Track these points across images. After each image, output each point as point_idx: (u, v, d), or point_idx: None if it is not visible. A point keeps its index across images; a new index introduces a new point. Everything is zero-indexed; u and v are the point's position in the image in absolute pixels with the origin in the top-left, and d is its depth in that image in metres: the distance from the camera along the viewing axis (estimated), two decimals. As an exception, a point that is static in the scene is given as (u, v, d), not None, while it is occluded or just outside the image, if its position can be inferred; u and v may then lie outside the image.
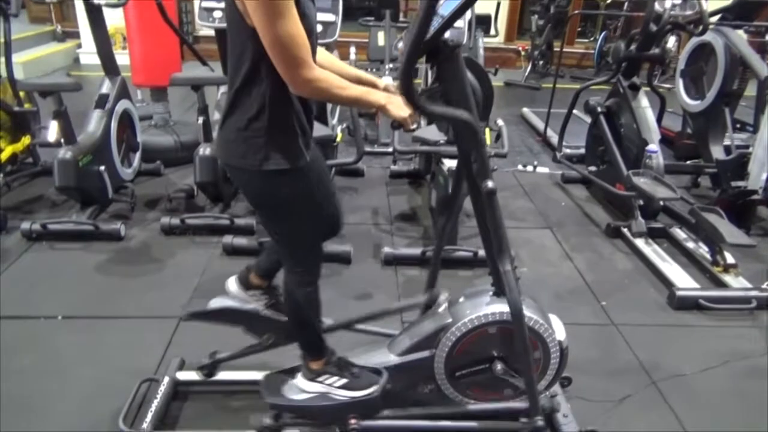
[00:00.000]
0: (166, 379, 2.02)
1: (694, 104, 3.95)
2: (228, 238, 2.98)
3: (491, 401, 1.87)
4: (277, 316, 1.86)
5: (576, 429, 1.91)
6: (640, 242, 3.21)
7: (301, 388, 1.79)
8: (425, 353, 1.82)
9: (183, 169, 3.98)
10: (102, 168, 3.22)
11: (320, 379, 1.77)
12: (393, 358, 1.85)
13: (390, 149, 4.47)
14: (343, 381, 1.77)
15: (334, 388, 1.77)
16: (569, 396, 2.04)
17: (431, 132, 3.14)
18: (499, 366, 1.79)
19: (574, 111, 4.06)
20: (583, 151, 4.14)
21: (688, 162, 4.12)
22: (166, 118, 4.28)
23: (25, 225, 3.03)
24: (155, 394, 1.95)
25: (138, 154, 3.83)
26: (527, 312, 1.79)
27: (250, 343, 1.91)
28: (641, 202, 3.34)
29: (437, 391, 1.85)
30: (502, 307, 1.76)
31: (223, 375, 2.01)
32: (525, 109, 5.86)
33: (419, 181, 4.04)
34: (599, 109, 3.70)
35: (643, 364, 2.34)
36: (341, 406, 1.77)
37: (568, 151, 4.31)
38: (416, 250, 2.97)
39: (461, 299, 1.87)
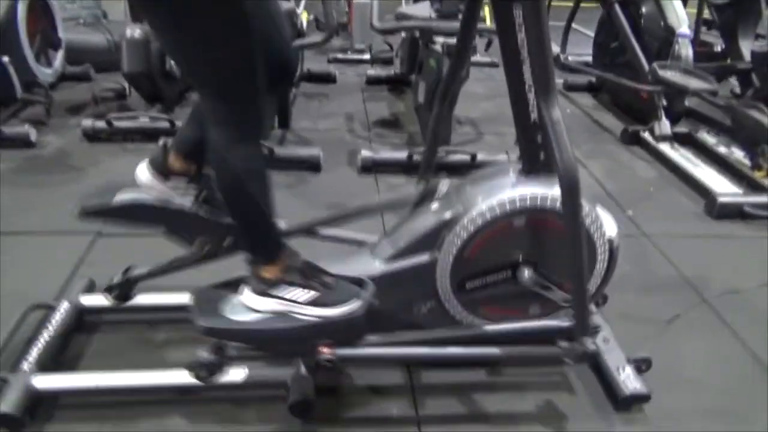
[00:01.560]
0: (65, 305, 1.47)
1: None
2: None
3: (512, 321, 1.36)
4: (212, 213, 1.31)
5: (622, 357, 1.44)
6: (664, 147, 2.72)
7: (250, 307, 1.24)
8: (424, 257, 1.30)
9: (118, 75, 3.30)
10: (5, 59, 2.55)
11: (277, 292, 1.22)
12: (379, 266, 1.32)
13: (366, 56, 3.90)
14: (311, 294, 1.23)
15: (297, 305, 1.23)
16: (606, 318, 1.56)
17: (420, 8, 2.55)
18: (526, 273, 1.28)
19: (574, 25, 3.49)
20: (586, 58, 3.61)
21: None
22: (97, 15, 3.57)
23: None
24: (46, 324, 1.41)
25: (60, 54, 3.16)
26: (568, 195, 1.27)
27: (176, 255, 1.37)
28: (664, 103, 2.83)
29: (439, 310, 1.34)
30: (534, 190, 1.24)
31: (142, 299, 1.47)
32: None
33: (400, 87, 3.45)
34: (614, -3, 3.12)
35: (689, 280, 1.87)
36: (308, 329, 1.24)
37: (571, 58, 3.76)
38: (401, 154, 2.42)
39: (473, 182, 1.34)
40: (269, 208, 1.20)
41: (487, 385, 1.42)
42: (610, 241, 1.32)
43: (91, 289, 1.56)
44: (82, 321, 1.51)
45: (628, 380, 1.37)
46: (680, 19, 2.84)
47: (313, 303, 1.24)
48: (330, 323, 1.23)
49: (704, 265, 1.95)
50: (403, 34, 3.08)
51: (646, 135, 2.82)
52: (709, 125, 2.88)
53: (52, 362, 1.34)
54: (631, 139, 2.87)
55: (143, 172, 1.32)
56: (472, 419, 1.32)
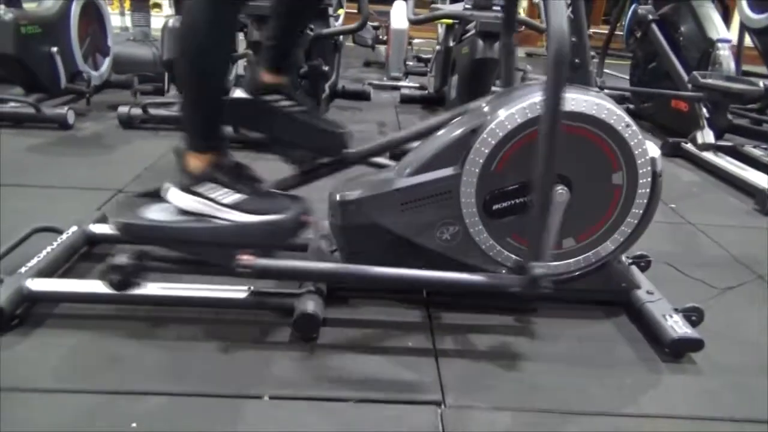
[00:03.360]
0: (73, 228, 1.42)
1: (759, 18, 3.35)
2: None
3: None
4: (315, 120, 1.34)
5: (669, 306, 1.28)
6: (708, 155, 2.59)
7: (173, 204, 1.16)
8: (446, 171, 1.21)
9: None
10: (54, 49, 2.66)
11: (201, 189, 1.14)
12: (398, 182, 1.24)
13: (400, 83, 3.95)
14: (236, 197, 1.14)
15: (219, 206, 1.14)
16: (655, 284, 1.41)
17: (455, 6, 2.57)
18: (558, 192, 1.18)
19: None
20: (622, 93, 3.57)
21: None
22: (146, 31, 3.74)
23: (-50, 104, 2.47)
24: (52, 243, 1.35)
25: (107, 61, 3.29)
26: (605, 105, 1.19)
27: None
28: (706, 114, 2.73)
29: (464, 237, 1.24)
30: (575, 95, 1.16)
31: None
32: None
33: (434, 107, 3.44)
34: (651, 17, 3.11)
35: (740, 260, 1.70)
36: (225, 234, 1.14)
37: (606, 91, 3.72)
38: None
39: (505, 92, 1.26)
40: (222, 86, 1.16)
41: (514, 329, 1.28)
42: (653, 161, 1.21)
43: (102, 221, 1.51)
44: (89, 250, 1.45)
45: (677, 326, 1.21)
46: (719, 29, 2.79)
47: (235, 207, 1.14)
48: (249, 231, 1.14)
49: (756, 250, 1.78)
50: (437, 47, 3.12)
51: (688, 145, 2.71)
52: (756, 139, 2.75)
53: (51, 273, 1.27)
54: (673, 151, 2.75)
55: (240, 95, 1.33)
56: (491, 357, 1.17)
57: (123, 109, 2.59)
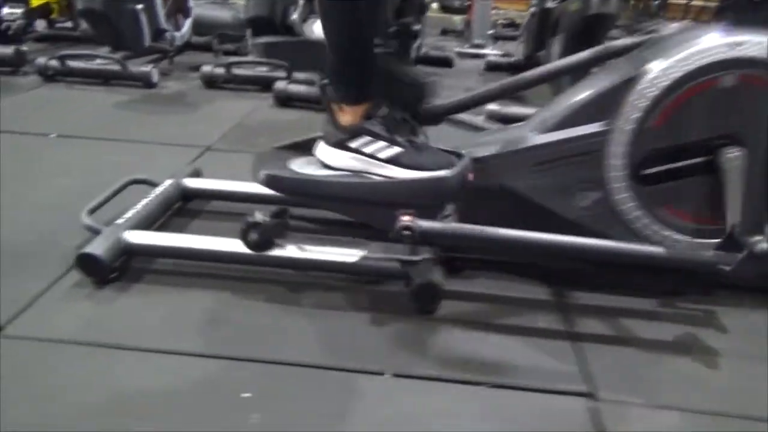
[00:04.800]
0: (168, 182, 1.34)
1: None
2: (281, 84, 2.29)
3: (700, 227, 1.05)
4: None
5: None
6: None
7: (322, 161, 1.06)
8: (591, 128, 1.04)
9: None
10: (139, 6, 2.62)
11: (356, 144, 1.03)
12: (533, 138, 1.08)
13: (484, 51, 3.73)
14: (394, 151, 1.03)
15: (376, 162, 1.03)
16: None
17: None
18: (731, 155, 0.99)
19: None
20: None
21: None
22: (226, -6, 3.68)
23: (41, 60, 2.47)
24: (147, 195, 1.27)
25: (189, 22, 3.24)
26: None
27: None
28: None
29: (606, 205, 1.07)
30: (750, 38, 0.96)
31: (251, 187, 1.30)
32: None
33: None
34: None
35: None
36: (383, 191, 1.03)
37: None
38: (529, 110, 2.16)
39: (666, 36, 1.08)
40: (371, 35, 1.03)
41: (667, 315, 1.10)
42: None
43: (196, 175, 1.43)
44: (183, 205, 1.37)
45: None
46: None
47: (394, 161, 1.03)
48: (411, 188, 1.02)
49: None
50: (531, 9, 2.90)
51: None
52: None
53: (147, 226, 1.19)
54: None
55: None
56: (643, 345, 1.01)
57: (206, 69, 2.53)
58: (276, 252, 1.08)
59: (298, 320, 1.00)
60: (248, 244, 1.03)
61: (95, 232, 1.11)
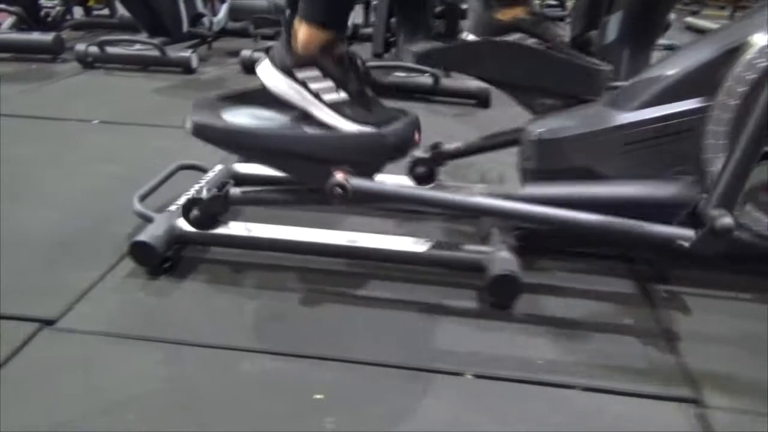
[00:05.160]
0: (218, 167, 1.28)
1: None
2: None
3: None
4: None
5: None
6: None
7: (262, 81, 0.98)
8: (689, 104, 0.94)
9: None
10: (177, -9, 2.58)
11: (302, 74, 0.94)
12: (616, 116, 0.98)
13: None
14: (339, 96, 0.94)
15: (316, 102, 0.94)
16: None
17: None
18: None
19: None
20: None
21: None
22: (260, -22, 3.61)
23: (80, 47, 2.44)
24: (198, 181, 1.21)
25: (225, 7, 3.19)
26: None
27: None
28: None
29: (701, 190, 0.96)
30: None
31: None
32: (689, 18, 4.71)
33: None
34: None
35: None
36: (320, 142, 0.94)
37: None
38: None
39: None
40: None
41: (741, 308, 1.00)
42: None
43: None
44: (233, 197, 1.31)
45: None
46: None
47: (336, 108, 0.94)
48: (347, 143, 0.94)
49: None
50: (582, -13, 2.75)
51: None
52: None
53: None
54: None
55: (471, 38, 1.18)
56: (749, 346, 0.90)
57: (246, 53, 2.47)
58: (336, 241, 1.01)
59: (365, 315, 0.93)
60: (190, 222, 1.01)
61: (147, 220, 1.06)
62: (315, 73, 0.94)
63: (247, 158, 1.15)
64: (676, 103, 0.94)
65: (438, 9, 2.33)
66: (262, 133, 0.95)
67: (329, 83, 0.95)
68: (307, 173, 0.96)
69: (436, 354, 0.85)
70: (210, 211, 1.01)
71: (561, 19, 3.20)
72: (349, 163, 0.92)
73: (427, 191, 0.94)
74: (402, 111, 1.02)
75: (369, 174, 0.95)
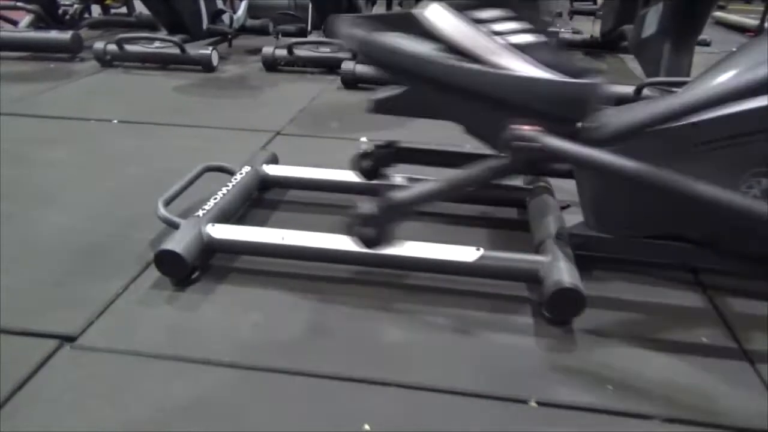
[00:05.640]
0: (246, 169, 1.20)
1: None
2: (349, 65, 2.13)
3: None
4: None
5: None
6: None
7: (428, 19, 0.86)
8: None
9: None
10: (197, -12, 2.51)
11: (482, 14, 0.85)
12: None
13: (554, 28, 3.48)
14: (526, 38, 0.85)
15: (499, 44, 0.84)
16: None
17: None
18: None
19: None
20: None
21: None
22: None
23: (98, 45, 2.38)
24: (226, 184, 1.14)
25: (244, 5, 3.12)
26: None
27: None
28: None
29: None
30: None
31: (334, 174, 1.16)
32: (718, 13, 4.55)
33: (598, 52, 2.97)
34: None
35: None
36: (514, 86, 0.83)
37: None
38: (627, 89, 1.94)
39: None
40: None
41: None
42: None
43: (273, 161, 1.29)
44: (262, 192, 1.24)
45: None
46: None
47: (527, 51, 0.84)
48: (547, 90, 0.83)
49: None
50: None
51: None
52: None
53: (225, 219, 1.05)
54: None
55: None
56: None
57: (267, 50, 2.39)
58: (378, 250, 0.93)
59: (414, 330, 0.85)
60: (362, 241, 0.89)
61: (173, 226, 0.98)
62: (497, 12, 0.85)
63: (413, 86, 0.93)
64: (750, 101, 0.85)
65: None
66: (443, 64, 0.83)
67: (516, 24, 0.85)
68: (478, 119, 0.84)
69: (494, 377, 0.76)
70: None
71: (592, 13, 3.09)
72: (538, 114, 0.79)
73: (630, 163, 0.79)
74: (588, 67, 0.90)
75: (562, 133, 0.81)
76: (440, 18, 0.85)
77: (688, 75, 1.96)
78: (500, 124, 0.79)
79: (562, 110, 0.83)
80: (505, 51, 0.83)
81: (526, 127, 0.77)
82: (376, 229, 0.87)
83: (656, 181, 0.79)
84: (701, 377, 0.78)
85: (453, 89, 0.84)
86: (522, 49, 0.84)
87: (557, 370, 0.78)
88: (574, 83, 0.84)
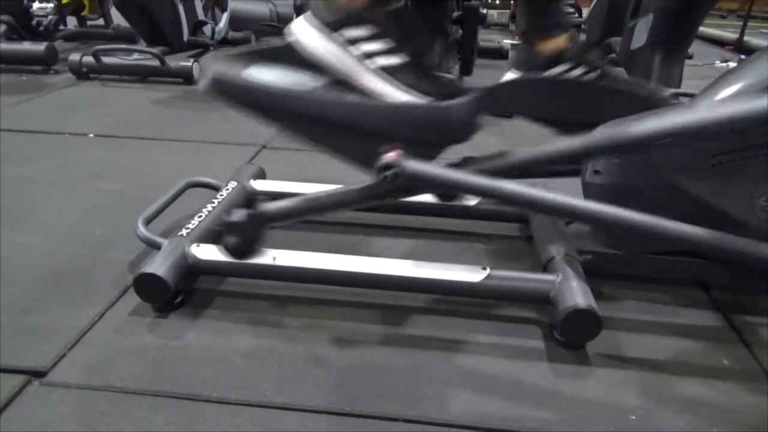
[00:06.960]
0: (231, 184, 1.13)
1: None
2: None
3: None
4: None
5: None
6: None
7: (297, 38, 0.82)
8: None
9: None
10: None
11: (349, 32, 0.79)
12: (698, 114, 0.84)
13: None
14: (392, 61, 0.79)
15: (363, 67, 0.79)
16: None
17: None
18: None
19: None
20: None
21: None
22: (262, -12, 3.50)
23: (74, 57, 2.30)
24: (211, 200, 1.07)
25: (225, 17, 3.07)
26: None
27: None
28: None
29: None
30: None
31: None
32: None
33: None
34: None
35: None
36: (366, 113, 0.78)
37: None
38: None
39: None
40: None
41: None
42: None
43: (260, 176, 1.22)
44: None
45: None
46: None
47: (391, 73, 0.79)
48: (403, 116, 0.79)
49: None
50: (599, -8, 2.65)
51: None
52: None
53: (212, 239, 0.98)
54: None
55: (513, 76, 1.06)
56: None
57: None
58: (377, 270, 0.86)
59: (420, 359, 0.78)
60: (227, 250, 0.87)
61: (154, 246, 0.91)
62: (367, 31, 0.80)
63: (278, 124, 0.86)
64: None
65: (456, 14, 2.22)
66: (300, 95, 0.79)
67: (383, 44, 0.80)
68: (349, 148, 0.80)
69: (512, 410, 0.70)
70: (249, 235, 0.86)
71: (578, 26, 3.10)
72: (403, 140, 0.76)
73: (504, 183, 0.76)
74: (466, 88, 0.87)
75: (426, 157, 0.79)
76: (306, 35, 0.81)
77: (678, 86, 1.95)
78: (371, 152, 0.76)
79: (420, 134, 0.80)
80: (373, 76, 0.80)
81: (390, 153, 0.75)
82: (241, 238, 0.84)
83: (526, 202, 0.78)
84: (729, 403, 0.73)
85: (329, 124, 0.79)
86: (389, 71, 0.81)
87: (575, 400, 0.72)
88: (426, 107, 0.80)
